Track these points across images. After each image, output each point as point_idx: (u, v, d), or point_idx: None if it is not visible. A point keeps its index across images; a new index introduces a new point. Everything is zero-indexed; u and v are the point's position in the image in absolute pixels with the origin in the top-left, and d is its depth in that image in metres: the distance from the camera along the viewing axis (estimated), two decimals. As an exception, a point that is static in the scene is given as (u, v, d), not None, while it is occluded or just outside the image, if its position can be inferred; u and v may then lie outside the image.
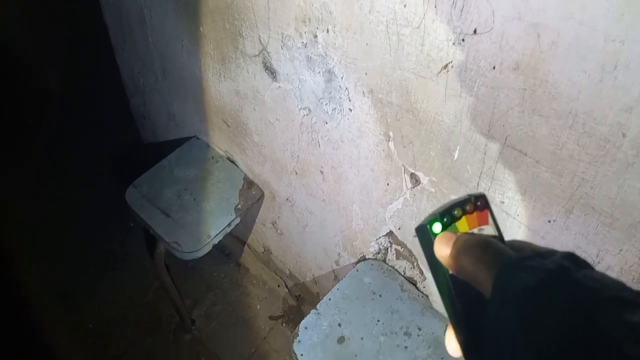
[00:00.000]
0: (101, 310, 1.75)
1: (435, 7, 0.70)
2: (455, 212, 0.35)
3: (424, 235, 0.35)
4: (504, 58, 0.67)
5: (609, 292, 0.28)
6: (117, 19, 1.50)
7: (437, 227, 0.35)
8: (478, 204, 0.36)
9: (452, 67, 0.74)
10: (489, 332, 0.31)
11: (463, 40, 0.70)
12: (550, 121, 0.67)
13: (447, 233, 0.36)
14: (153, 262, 1.55)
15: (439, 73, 0.76)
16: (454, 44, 0.71)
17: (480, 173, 0.82)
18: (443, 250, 0.35)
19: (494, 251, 0.33)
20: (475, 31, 0.67)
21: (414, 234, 1.05)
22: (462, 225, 0.35)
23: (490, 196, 0.83)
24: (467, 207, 0.35)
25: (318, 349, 1.07)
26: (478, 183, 0.84)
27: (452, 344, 0.37)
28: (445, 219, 0.35)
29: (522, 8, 0.61)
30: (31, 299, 1.77)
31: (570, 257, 0.31)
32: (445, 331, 0.37)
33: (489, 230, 0.36)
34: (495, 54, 0.68)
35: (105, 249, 1.91)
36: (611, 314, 0.27)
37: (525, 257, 0.31)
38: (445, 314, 0.36)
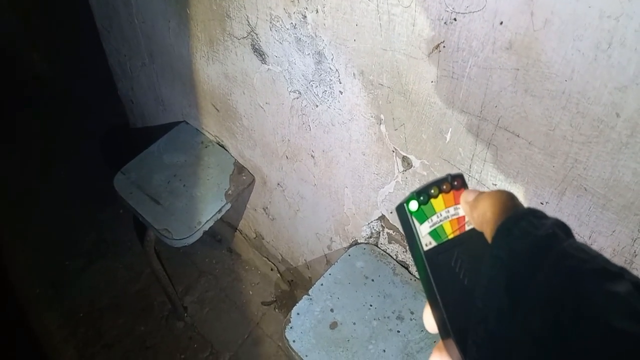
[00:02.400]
0: (92, 299, 1.74)
1: (427, -16, 0.68)
2: (432, 190, 0.36)
3: (402, 213, 0.36)
4: (497, 37, 0.65)
5: (596, 263, 0.28)
6: (102, 1, 1.46)
7: (413, 205, 0.36)
8: (455, 183, 0.36)
9: (443, 47, 0.72)
10: (479, 293, 0.31)
11: (455, 19, 0.68)
12: (543, 101, 0.66)
13: (474, 190, 0.37)
14: (143, 250, 1.54)
15: (430, 54, 0.75)
16: (445, 23, 0.70)
17: (473, 155, 0.81)
18: (469, 195, 0.36)
19: (506, 202, 0.33)
20: (467, 10, 0.66)
21: None
22: (438, 203, 0.36)
23: (482, 178, 0.83)
24: (444, 186, 0.36)
25: (310, 335, 1.06)
26: (470, 165, 0.83)
27: (429, 321, 0.37)
28: (422, 197, 0.36)
29: (516, -15, 0.59)
30: (20, 289, 1.76)
31: (561, 225, 0.31)
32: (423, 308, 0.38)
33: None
34: (487, 33, 0.66)
35: (95, 237, 1.89)
36: (598, 284, 0.27)
37: (519, 214, 0.31)
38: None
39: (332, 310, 1.10)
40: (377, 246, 1.20)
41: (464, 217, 0.36)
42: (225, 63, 1.18)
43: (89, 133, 2.16)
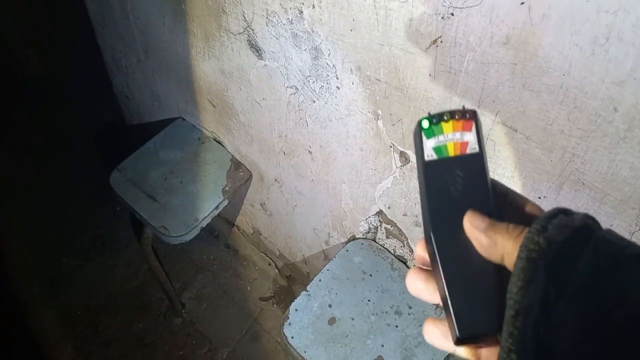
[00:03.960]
0: (90, 296, 1.73)
1: (424, -21, 0.68)
2: (445, 116, 0.39)
3: (416, 127, 0.40)
4: (494, 32, 0.65)
5: (635, 248, 0.29)
6: (96, -3, 1.45)
7: (425, 123, 0.39)
8: (467, 115, 0.39)
9: (441, 42, 0.72)
10: (514, 288, 0.30)
11: (452, 14, 0.68)
12: (541, 96, 0.66)
13: (477, 211, 0.36)
14: (140, 247, 1.54)
15: (427, 48, 0.75)
16: (442, 18, 0.69)
17: (470, 150, 0.81)
18: (479, 222, 0.36)
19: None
20: (464, 4, 0.66)
21: (404, 212, 1.05)
22: (447, 126, 0.39)
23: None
24: (457, 115, 0.39)
25: (309, 331, 1.06)
26: (468, 160, 0.83)
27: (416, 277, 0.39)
28: (434, 120, 0.39)
29: (513, -21, 0.59)
30: (17, 286, 1.75)
31: (592, 218, 0.32)
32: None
33: (469, 136, 0.39)
34: (485, 28, 0.66)
35: (92, 234, 1.89)
36: (639, 268, 0.28)
37: (548, 216, 0.32)
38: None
39: (330, 305, 1.10)
40: (375, 241, 1.20)
41: (467, 142, 0.39)
42: (222, 59, 1.18)
43: (84, 130, 2.15)
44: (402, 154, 0.94)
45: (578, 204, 0.72)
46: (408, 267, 1.15)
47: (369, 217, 1.16)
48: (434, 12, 0.70)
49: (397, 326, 1.07)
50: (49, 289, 1.75)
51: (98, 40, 1.63)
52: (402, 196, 1.02)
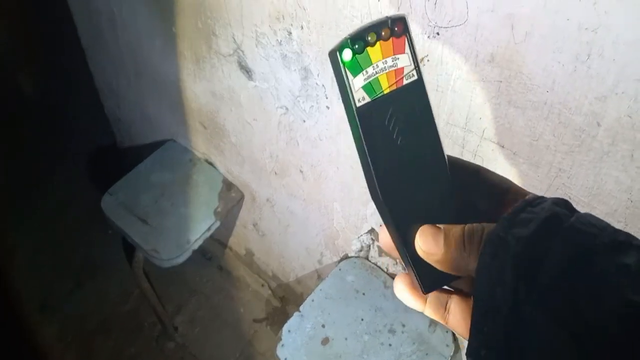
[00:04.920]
0: (81, 321, 1.71)
1: (410, 0, 0.69)
2: (369, 37, 0.31)
3: (335, 62, 0.32)
4: (479, 50, 0.67)
5: (606, 236, 0.28)
6: (86, 20, 1.47)
7: (347, 54, 0.31)
8: (395, 29, 0.31)
9: (428, 60, 0.73)
10: (481, 287, 0.29)
11: (438, 33, 0.69)
12: (526, 112, 0.67)
13: (428, 229, 0.34)
14: (132, 270, 1.52)
15: (414, 67, 0.76)
16: (429, 37, 0.71)
17: (459, 167, 0.82)
18: (430, 246, 0.33)
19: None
20: (449, 24, 0.67)
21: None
22: (375, 52, 0.31)
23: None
24: (383, 33, 0.31)
25: (302, 352, 1.05)
26: (457, 177, 0.84)
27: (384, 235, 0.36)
28: (356, 45, 0.31)
29: (496, -1, 0.61)
30: (8, 312, 1.72)
31: (562, 202, 0.30)
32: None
33: (404, 59, 0.32)
34: (470, 47, 0.67)
35: (84, 258, 1.87)
36: (609, 258, 0.27)
37: (515, 210, 0.30)
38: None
39: (323, 326, 1.09)
40: (367, 259, 1.20)
41: (402, 69, 0.32)
42: (212, 81, 1.19)
43: (76, 153, 2.15)
44: (393, 172, 0.95)
45: (567, 219, 0.73)
46: (401, 285, 1.15)
47: (361, 235, 1.16)
48: (420, 32, 0.71)
49: (390, 345, 1.06)
50: (40, 314, 1.72)
51: (89, 63, 1.64)
52: (393, 214, 1.03)
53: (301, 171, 1.16)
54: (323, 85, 0.93)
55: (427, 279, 0.35)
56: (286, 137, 1.12)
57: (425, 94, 0.33)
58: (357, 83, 0.31)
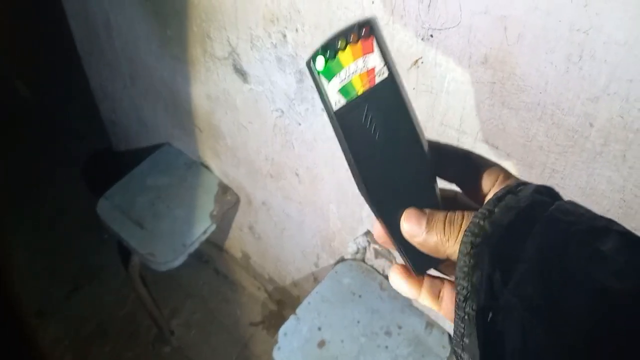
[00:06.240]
0: (78, 326, 1.70)
1: (403, 2, 0.69)
2: (339, 43, 0.33)
3: (311, 72, 0.34)
4: (473, 52, 0.67)
5: (584, 223, 0.28)
6: (82, 24, 1.47)
7: (320, 62, 0.33)
8: (363, 32, 0.33)
9: (422, 62, 0.74)
10: (461, 274, 0.30)
11: (432, 35, 0.70)
12: (519, 114, 0.68)
13: (413, 211, 0.35)
14: (128, 274, 1.52)
15: (409, 69, 0.76)
16: (422, 39, 0.71)
17: (454, 168, 0.82)
18: (413, 228, 0.35)
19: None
20: (443, 26, 0.67)
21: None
22: (346, 56, 0.33)
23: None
24: (351, 37, 0.33)
25: (298, 355, 1.05)
26: (452, 178, 0.84)
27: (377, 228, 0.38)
28: (328, 52, 0.33)
29: (489, 1, 0.61)
30: (4, 317, 1.72)
31: (544, 189, 0.31)
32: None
33: (374, 58, 0.33)
34: (463, 49, 0.68)
35: (80, 262, 1.86)
36: (585, 244, 0.27)
37: (496, 198, 0.31)
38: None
39: (319, 328, 1.09)
40: (364, 262, 1.20)
41: (373, 69, 0.34)
42: (207, 84, 1.19)
43: (72, 157, 2.14)
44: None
45: (561, 219, 0.73)
46: (397, 287, 1.15)
47: (357, 237, 1.16)
48: (414, 34, 0.72)
49: (387, 347, 1.06)
50: (37, 319, 1.71)
51: (85, 67, 1.64)
52: (389, 216, 1.03)
53: (297, 174, 1.17)
54: (318, 88, 0.93)
55: (417, 261, 0.37)
56: (281, 140, 1.12)
57: (398, 88, 0.34)
58: (332, 88, 0.33)
